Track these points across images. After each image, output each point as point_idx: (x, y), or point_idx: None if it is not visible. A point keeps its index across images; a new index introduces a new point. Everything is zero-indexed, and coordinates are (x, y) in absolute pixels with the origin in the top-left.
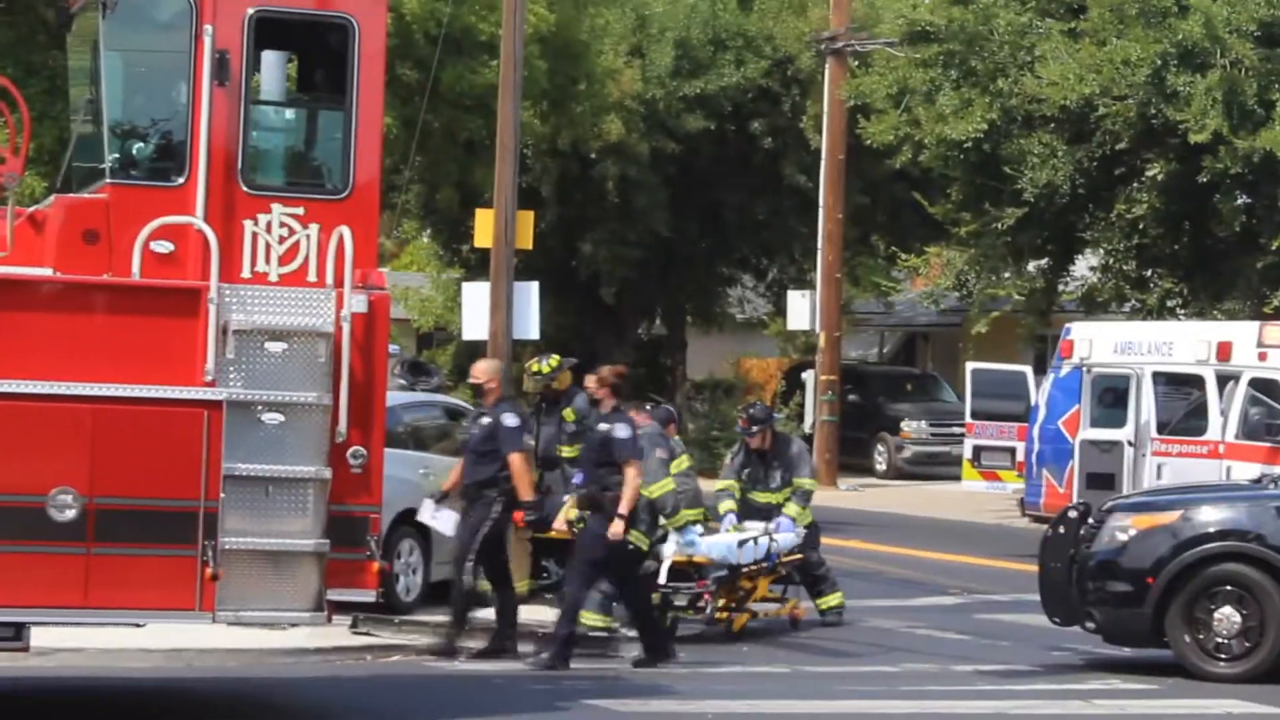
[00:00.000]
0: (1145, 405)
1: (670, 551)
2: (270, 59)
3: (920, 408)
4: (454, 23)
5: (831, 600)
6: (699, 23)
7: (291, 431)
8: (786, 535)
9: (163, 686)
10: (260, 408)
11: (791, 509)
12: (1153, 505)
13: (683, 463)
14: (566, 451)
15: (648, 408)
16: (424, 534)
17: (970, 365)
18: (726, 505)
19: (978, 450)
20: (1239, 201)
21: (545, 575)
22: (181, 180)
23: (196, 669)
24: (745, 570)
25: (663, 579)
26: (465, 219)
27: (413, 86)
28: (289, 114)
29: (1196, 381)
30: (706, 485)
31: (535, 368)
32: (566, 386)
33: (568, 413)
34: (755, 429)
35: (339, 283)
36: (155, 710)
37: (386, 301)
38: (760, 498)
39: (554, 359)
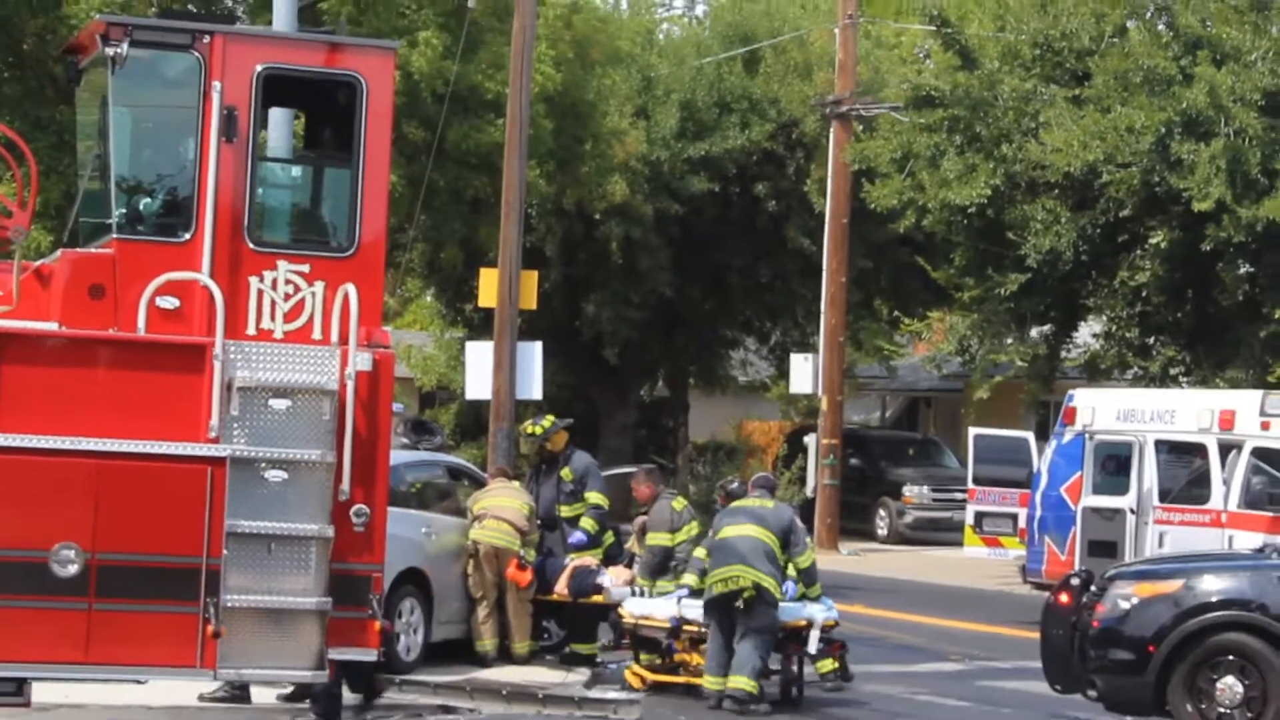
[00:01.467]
0: (1148, 473)
1: (821, 618)
2: (278, 116)
3: (922, 473)
4: (461, 82)
5: (830, 664)
6: (704, 85)
7: (294, 489)
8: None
9: None
10: (264, 465)
11: None
12: (1155, 574)
13: (693, 529)
14: (565, 512)
15: (646, 469)
16: (425, 593)
17: (973, 430)
18: (689, 579)
19: (980, 516)
20: (1242, 270)
21: (546, 636)
22: (188, 236)
23: None
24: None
25: (813, 647)
26: (469, 278)
27: (419, 145)
28: (295, 171)
29: (1199, 450)
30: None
31: (529, 429)
32: (562, 447)
33: (565, 472)
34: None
35: (344, 340)
36: None
37: (391, 360)
38: None
39: (547, 420)
